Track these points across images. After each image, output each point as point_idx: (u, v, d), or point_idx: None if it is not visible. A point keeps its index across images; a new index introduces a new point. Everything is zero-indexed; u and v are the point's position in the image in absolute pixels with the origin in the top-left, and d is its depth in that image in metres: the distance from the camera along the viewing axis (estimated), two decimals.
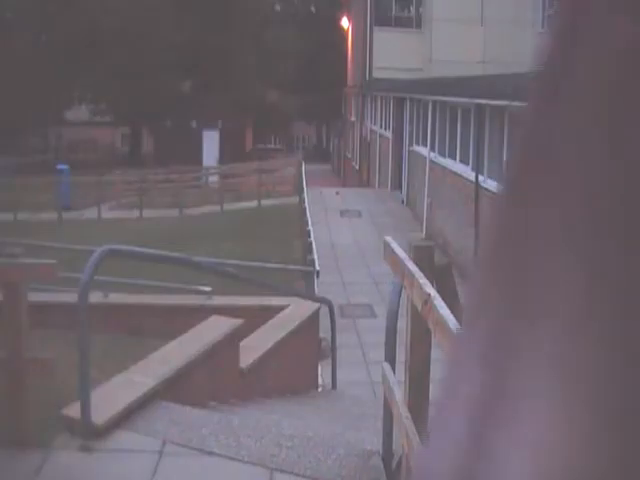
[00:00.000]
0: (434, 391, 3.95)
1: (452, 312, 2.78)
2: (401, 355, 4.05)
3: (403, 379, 3.91)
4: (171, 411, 4.75)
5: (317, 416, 6.43)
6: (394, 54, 26.96)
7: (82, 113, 48.30)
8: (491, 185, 13.77)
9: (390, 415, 4.15)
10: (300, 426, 5.38)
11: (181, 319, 7.33)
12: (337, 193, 25.33)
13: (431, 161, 19.08)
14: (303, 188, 22.23)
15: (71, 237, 16.51)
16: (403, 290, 3.92)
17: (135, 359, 5.40)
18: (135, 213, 27.57)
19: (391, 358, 4.28)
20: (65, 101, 46.19)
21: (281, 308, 7.94)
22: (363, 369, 10.75)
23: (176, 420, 4.62)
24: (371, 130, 30.42)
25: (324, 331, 9.76)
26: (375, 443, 4.63)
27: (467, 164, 15.56)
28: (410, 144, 22.46)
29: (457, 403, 0.38)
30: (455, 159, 16.74)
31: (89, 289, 4.29)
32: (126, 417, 4.51)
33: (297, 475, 4.13)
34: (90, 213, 27.94)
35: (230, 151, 41.18)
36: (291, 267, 13.21)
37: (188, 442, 4.37)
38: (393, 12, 28.27)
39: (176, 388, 5.10)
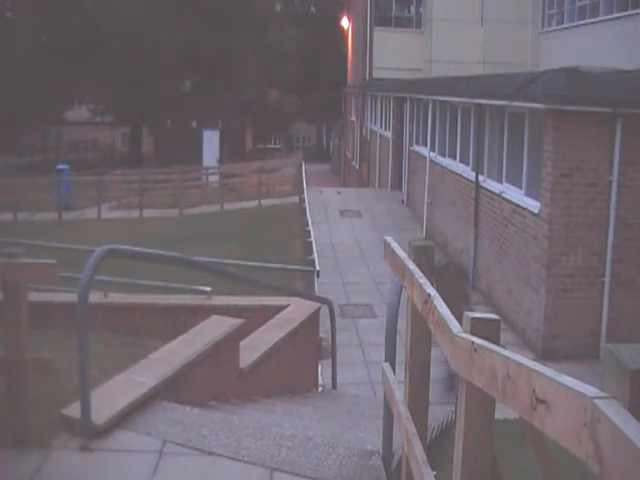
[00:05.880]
0: (434, 391, 3.95)
1: (452, 312, 2.78)
2: (401, 355, 4.05)
3: (403, 379, 3.91)
4: (171, 411, 4.75)
5: (317, 416, 6.43)
6: (394, 54, 26.98)
7: (82, 113, 48.33)
8: (491, 185, 13.77)
9: (390, 415, 4.15)
10: (300, 426, 5.37)
11: (181, 319, 7.34)
12: (338, 193, 25.33)
13: (431, 161, 19.07)
14: (303, 188, 22.24)
15: (71, 237, 16.52)
16: (403, 290, 3.92)
17: (135, 359, 5.40)
18: (135, 213, 27.57)
19: (391, 358, 4.27)
20: (65, 101, 46.19)
21: (281, 308, 7.93)
22: (363, 369, 10.75)
23: (176, 420, 4.62)
24: (371, 130, 30.41)
25: (324, 331, 9.75)
26: (375, 443, 4.62)
27: (467, 164, 15.56)
28: (410, 144, 22.45)
29: None
30: (455, 159, 16.73)
31: (89, 289, 4.29)
32: (126, 417, 4.50)
33: (297, 475, 4.12)
34: (90, 213, 27.93)
35: (230, 151, 41.16)
36: (291, 267, 13.21)
37: (188, 442, 4.36)
38: (393, 12, 28.29)
39: (176, 388, 5.09)
